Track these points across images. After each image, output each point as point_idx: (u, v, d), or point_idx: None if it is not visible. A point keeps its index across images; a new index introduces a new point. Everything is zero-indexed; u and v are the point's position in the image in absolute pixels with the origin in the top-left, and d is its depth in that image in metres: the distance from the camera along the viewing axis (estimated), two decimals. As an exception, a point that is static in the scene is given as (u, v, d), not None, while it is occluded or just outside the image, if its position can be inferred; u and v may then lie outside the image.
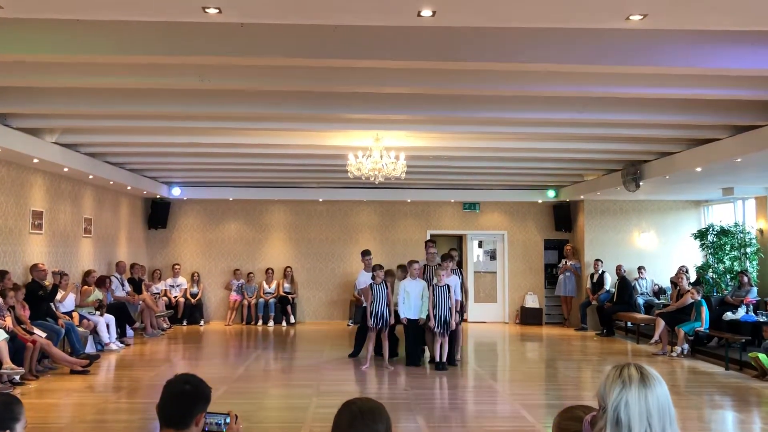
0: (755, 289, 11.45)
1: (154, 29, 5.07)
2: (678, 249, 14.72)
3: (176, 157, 11.54)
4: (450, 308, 9.42)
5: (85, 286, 11.27)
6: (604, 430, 1.89)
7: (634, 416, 1.86)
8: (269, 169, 12.73)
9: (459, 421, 7.05)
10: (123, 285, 12.86)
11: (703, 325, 10.84)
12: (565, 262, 15.41)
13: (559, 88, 6.63)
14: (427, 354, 10.13)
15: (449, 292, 9.45)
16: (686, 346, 10.86)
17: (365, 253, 10.86)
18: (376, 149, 9.64)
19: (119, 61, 5.86)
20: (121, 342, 11.30)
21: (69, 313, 10.24)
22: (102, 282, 11.58)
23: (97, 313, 10.99)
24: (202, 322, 14.90)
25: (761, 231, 12.33)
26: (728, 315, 10.81)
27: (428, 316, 9.47)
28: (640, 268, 14.44)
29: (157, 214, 15.65)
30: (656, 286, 14.43)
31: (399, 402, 7.73)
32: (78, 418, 6.83)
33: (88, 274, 11.45)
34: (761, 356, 9.02)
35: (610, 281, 14.37)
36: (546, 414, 7.13)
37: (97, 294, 11.22)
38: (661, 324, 11.38)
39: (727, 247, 12.54)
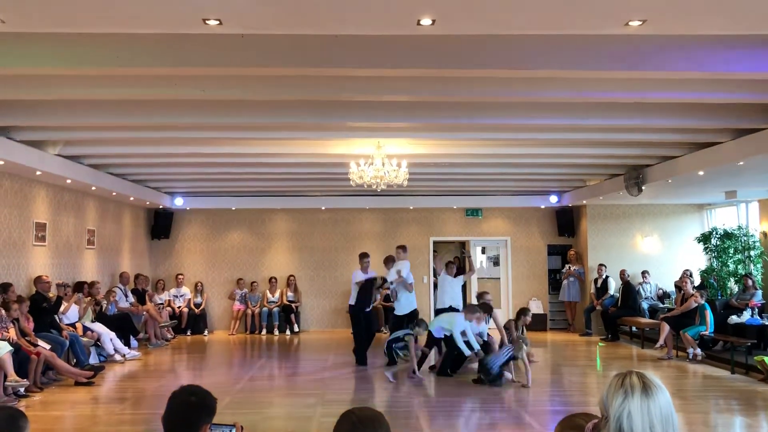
0: (760, 292, 11.42)
1: (155, 41, 5.10)
2: (681, 253, 14.69)
3: (179, 168, 11.57)
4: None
5: (89, 297, 11.19)
6: None
7: (636, 426, 1.85)
8: (271, 178, 12.75)
9: (464, 428, 7.03)
10: (127, 296, 12.88)
11: (708, 328, 10.80)
12: (569, 267, 15.39)
13: (560, 94, 6.63)
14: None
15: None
16: (699, 350, 10.79)
17: (363, 255, 11.27)
18: (378, 157, 9.66)
19: (121, 73, 5.88)
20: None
21: (73, 325, 10.25)
22: (79, 287, 11.08)
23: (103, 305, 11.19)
24: (206, 332, 14.90)
25: (765, 234, 12.30)
26: (733, 318, 10.79)
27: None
28: (643, 273, 14.42)
29: (160, 225, 15.67)
30: (660, 291, 14.40)
31: (403, 410, 7.72)
32: (83, 429, 6.82)
33: (92, 285, 11.41)
34: (767, 359, 8.98)
35: (614, 286, 14.35)
36: (551, 420, 7.11)
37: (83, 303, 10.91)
38: (665, 328, 11.35)
39: (731, 251, 12.52)
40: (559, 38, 5.16)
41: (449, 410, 7.90)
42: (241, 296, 15.27)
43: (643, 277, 14.37)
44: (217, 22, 4.47)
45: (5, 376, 7.82)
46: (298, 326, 15.19)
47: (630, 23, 4.51)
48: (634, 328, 13.50)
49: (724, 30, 4.85)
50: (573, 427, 2.25)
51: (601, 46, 5.31)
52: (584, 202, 14.55)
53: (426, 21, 4.47)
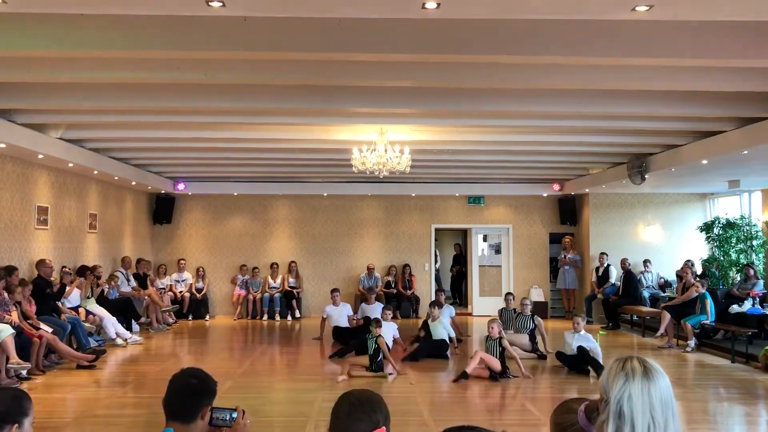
0: (761, 281, 11.42)
1: (158, 24, 5.06)
2: (683, 242, 14.68)
3: (181, 152, 11.55)
4: None
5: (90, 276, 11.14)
6: (606, 423, 1.89)
7: (637, 409, 1.86)
8: (274, 163, 12.73)
9: (464, 414, 7.05)
10: (128, 280, 12.90)
11: (708, 318, 10.81)
12: (564, 255, 15.40)
13: (565, 80, 6.59)
14: None
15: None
16: (693, 341, 10.81)
17: (334, 290, 12.30)
18: (381, 143, 9.63)
19: (123, 56, 5.85)
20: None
21: (75, 309, 10.27)
22: (82, 272, 11.15)
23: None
24: (207, 317, 14.95)
25: (767, 223, 12.28)
26: (734, 308, 10.80)
27: None
28: (645, 262, 14.41)
29: (162, 210, 15.67)
30: (662, 279, 14.40)
31: (404, 396, 7.74)
32: (85, 412, 6.86)
33: (93, 269, 11.42)
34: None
35: (615, 274, 14.35)
36: (551, 407, 7.12)
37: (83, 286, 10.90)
38: (666, 317, 11.36)
39: (733, 240, 12.51)
40: (565, 23, 5.11)
41: (450, 398, 7.92)
42: (242, 282, 15.30)
43: (644, 266, 14.36)
44: (221, 4, 4.44)
45: (7, 359, 7.85)
46: (300, 312, 15.23)
47: (637, 8, 4.47)
48: (635, 317, 13.52)
49: (730, 17, 4.80)
50: (568, 411, 2.29)
51: (606, 32, 5.27)
52: (587, 190, 14.52)
53: (431, 4, 4.43)
